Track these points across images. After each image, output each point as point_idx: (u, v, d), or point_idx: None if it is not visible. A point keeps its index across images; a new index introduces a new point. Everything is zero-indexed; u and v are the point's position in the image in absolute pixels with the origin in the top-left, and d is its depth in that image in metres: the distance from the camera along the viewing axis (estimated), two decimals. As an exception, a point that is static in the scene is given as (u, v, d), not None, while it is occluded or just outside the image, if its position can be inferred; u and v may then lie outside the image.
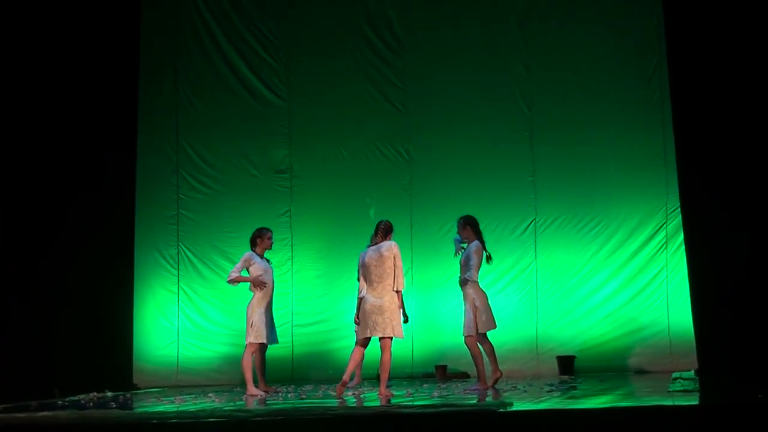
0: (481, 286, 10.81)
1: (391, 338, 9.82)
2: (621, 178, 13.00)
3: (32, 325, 11.71)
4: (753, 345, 10.31)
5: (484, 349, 10.75)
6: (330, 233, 13.76)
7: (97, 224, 12.65)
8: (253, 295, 11.25)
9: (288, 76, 14.11)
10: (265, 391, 11.07)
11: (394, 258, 9.92)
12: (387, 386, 10.07)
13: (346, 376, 9.95)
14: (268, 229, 11.63)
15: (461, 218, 11.06)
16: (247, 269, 11.31)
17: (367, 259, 9.97)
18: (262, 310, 11.19)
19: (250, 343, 11.10)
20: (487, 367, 10.90)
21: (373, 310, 9.81)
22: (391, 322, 9.78)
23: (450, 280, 13.34)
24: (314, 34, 14.12)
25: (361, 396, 10.32)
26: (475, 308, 10.67)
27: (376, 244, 10.03)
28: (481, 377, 10.68)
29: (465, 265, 10.80)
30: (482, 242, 10.89)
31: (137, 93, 13.91)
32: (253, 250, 11.40)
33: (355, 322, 10.11)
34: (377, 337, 9.89)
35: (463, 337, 10.76)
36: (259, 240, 11.46)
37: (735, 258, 10.69)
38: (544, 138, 13.34)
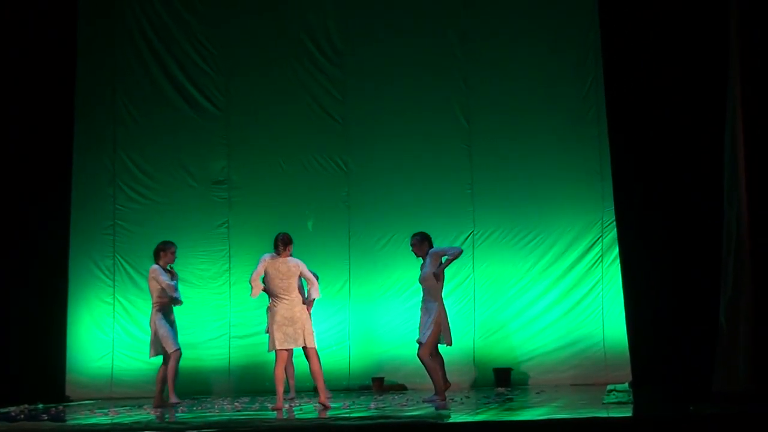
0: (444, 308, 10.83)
1: (313, 347, 9.82)
2: (558, 192, 13.08)
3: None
4: (686, 358, 10.43)
5: (435, 362, 10.74)
6: (268, 245, 13.55)
7: (31, 233, 12.49)
8: (153, 308, 11.28)
9: (227, 86, 14.04)
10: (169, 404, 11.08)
11: (302, 273, 9.93)
12: (328, 396, 10.03)
13: (279, 403, 9.89)
14: (172, 243, 11.64)
15: (419, 234, 11.00)
16: (154, 282, 11.26)
17: (273, 271, 9.92)
18: (164, 321, 11.20)
19: (175, 351, 11.12)
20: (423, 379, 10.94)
21: (284, 321, 9.83)
22: (303, 333, 9.80)
23: (387, 292, 13.39)
24: (254, 44, 14.05)
25: (298, 408, 10.26)
26: (437, 321, 10.66)
27: (281, 256, 9.99)
28: (438, 389, 10.68)
29: (429, 279, 10.79)
30: (439, 252, 10.91)
31: (73, 102, 13.73)
32: (157, 263, 11.35)
33: (267, 332, 10.13)
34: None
35: (417, 349, 10.73)
36: (162, 253, 11.46)
37: (669, 272, 10.82)
38: (483, 151, 13.39)
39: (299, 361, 11.27)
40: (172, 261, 11.58)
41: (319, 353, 10.26)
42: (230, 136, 13.97)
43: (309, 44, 13.90)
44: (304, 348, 9.90)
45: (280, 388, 9.92)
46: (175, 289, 11.37)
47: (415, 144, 13.57)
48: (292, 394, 11.97)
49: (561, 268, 13.02)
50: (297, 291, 10.02)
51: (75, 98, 13.74)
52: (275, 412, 9.73)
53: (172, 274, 11.51)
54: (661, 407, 8.73)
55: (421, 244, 10.95)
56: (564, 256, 13.03)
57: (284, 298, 9.88)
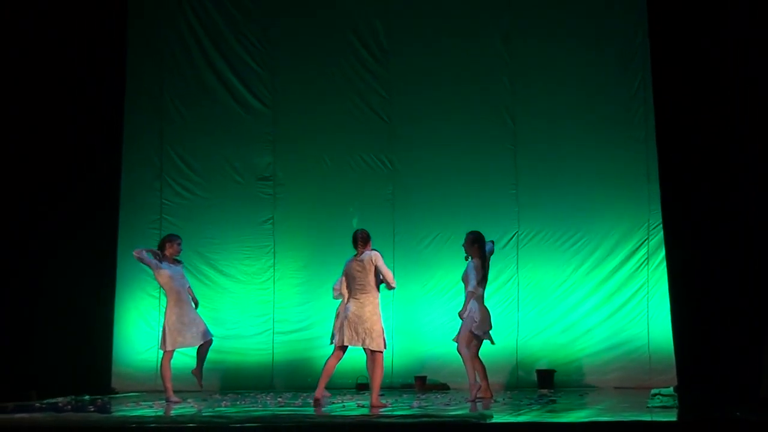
0: (483, 301, 10.81)
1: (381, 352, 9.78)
2: (603, 193, 13.00)
3: (12, 327, 11.63)
4: (732, 362, 10.33)
5: (475, 368, 10.73)
6: (312, 242, 13.73)
7: (80, 227, 12.59)
8: (167, 302, 11.31)
9: (274, 83, 14.08)
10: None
11: (377, 267, 9.88)
12: (380, 395, 10.01)
13: (319, 392, 9.89)
14: (177, 236, 11.63)
15: (472, 234, 10.98)
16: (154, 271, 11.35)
17: (350, 270, 9.94)
18: (174, 317, 11.19)
19: (166, 351, 11.19)
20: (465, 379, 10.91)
21: (354, 319, 9.77)
22: (371, 334, 9.74)
23: (431, 292, 13.38)
24: (301, 42, 14.08)
25: (341, 404, 10.29)
26: (473, 321, 10.67)
27: (359, 254, 9.98)
28: (470, 382, 10.65)
29: (466, 282, 10.83)
30: (483, 260, 10.88)
31: (123, 98, 13.85)
32: (163, 254, 11.36)
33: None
34: (356, 347, 9.88)
35: (456, 346, 10.75)
36: (168, 244, 11.43)
37: (716, 276, 10.71)
38: (528, 151, 13.33)
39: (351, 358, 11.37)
40: (178, 253, 11.49)
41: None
42: (276, 132, 14.01)
43: (356, 43, 13.91)
44: (367, 350, 9.82)
45: (325, 380, 9.89)
46: (156, 266, 11.30)
47: (460, 144, 13.53)
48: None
49: (606, 270, 12.95)
50: (372, 292, 9.92)
51: (125, 94, 13.86)
52: (314, 401, 9.74)
53: (177, 262, 11.50)
54: (706, 412, 8.65)
55: (471, 244, 10.93)
56: (609, 258, 12.95)
57: (359, 297, 9.85)
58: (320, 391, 10.02)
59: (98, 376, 12.88)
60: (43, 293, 12.03)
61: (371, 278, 9.87)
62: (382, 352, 9.80)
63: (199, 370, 11.39)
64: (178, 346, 11.20)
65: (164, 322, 11.27)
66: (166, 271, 11.30)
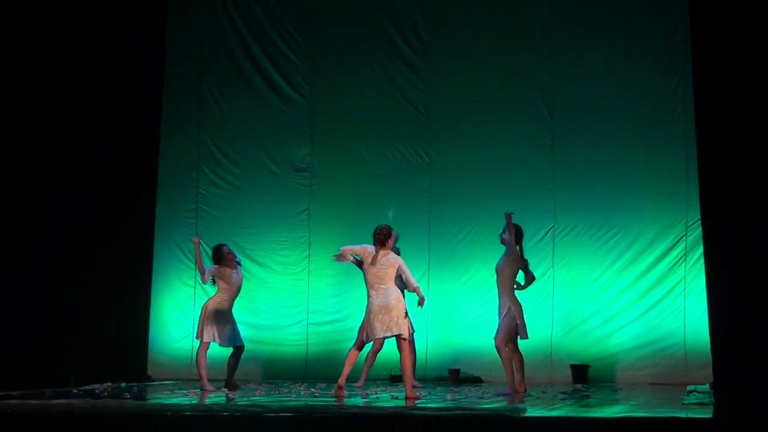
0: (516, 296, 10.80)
1: (405, 339, 9.75)
2: (641, 189, 12.92)
3: (50, 313, 11.75)
4: (769, 361, 10.27)
5: (513, 360, 10.71)
6: (347, 233, 13.68)
7: (118, 216, 12.67)
8: (216, 296, 11.42)
9: (311, 75, 14.11)
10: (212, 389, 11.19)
11: (399, 268, 9.86)
12: (414, 387, 10.01)
13: (342, 380, 9.90)
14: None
15: (513, 226, 10.93)
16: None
17: (370, 269, 9.85)
18: (215, 311, 11.30)
19: (202, 342, 11.32)
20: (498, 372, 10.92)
21: (380, 310, 9.75)
22: (397, 320, 9.71)
23: (465, 285, 13.38)
24: (339, 34, 14.10)
25: (375, 396, 10.31)
26: (512, 316, 10.65)
27: (380, 253, 9.92)
28: (508, 380, 10.64)
29: (502, 269, 10.78)
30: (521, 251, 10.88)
31: (162, 88, 13.94)
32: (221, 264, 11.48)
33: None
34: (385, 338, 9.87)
35: (494, 342, 10.73)
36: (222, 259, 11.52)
37: (754, 273, 10.63)
38: (565, 145, 13.28)
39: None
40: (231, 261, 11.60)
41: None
42: (313, 124, 14.04)
43: (395, 35, 13.91)
44: (397, 338, 9.81)
45: (366, 369, 9.92)
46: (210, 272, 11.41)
47: (498, 137, 13.50)
48: (363, 380, 12.05)
49: (642, 266, 12.88)
50: (393, 283, 9.90)
51: (163, 84, 13.94)
52: (338, 389, 9.78)
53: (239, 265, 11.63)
54: (742, 410, 8.60)
55: (510, 232, 10.89)
56: (646, 254, 12.88)
57: (380, 288, 9.84)
58: (342, 379, 9.98)
59: (135, 364, 12.98)
60: (81, 282, 12.12)
61: (392, 276, 9.85)
62: (407, 339, 9.75)
63: (230, 382, 11.42)
64: (212, 339, 11.26)
65: (203, 313, 11.33)
66: (239, 275, 11.47)
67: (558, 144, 13.31)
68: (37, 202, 11.71)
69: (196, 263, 11.76)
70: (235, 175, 14.15)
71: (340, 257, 10.10)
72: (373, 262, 9.82)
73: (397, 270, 9.84)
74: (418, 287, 9.87)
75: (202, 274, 11.44)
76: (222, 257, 11.47)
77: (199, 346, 11.32)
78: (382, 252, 9.86)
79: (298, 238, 13.91)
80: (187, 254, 13.96)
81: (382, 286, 9.79)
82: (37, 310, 11.52)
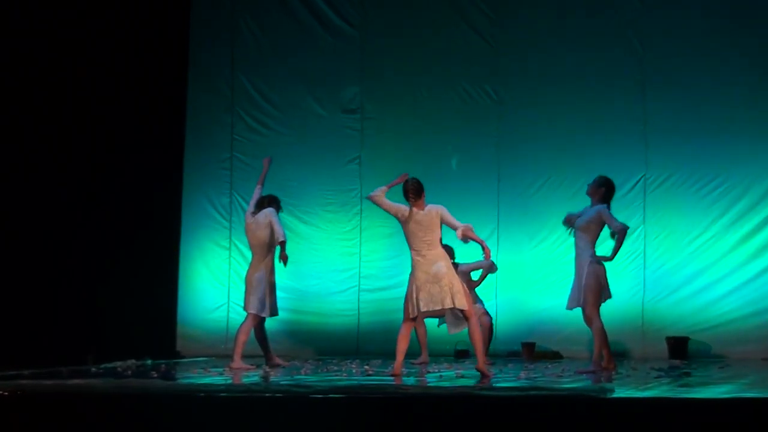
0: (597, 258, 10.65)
1: (465, 309, 9.70)
2: (751, 131, 12.80)
3: (65, 284, 11.85)
4: None
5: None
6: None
7: (141, 167, 12.73)
8: (268, 261, 11.33)
9: (363, 1, 14.06)
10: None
11: (442, 218, 9.77)
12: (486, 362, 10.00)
13: (397, 366, 9.87)
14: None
15: (601, 178, 10.76)
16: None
17: (412, 224, 9.76)
18: (272, 279, 11.34)
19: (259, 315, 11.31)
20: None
21: (428, 279, 9.69)
22: (451, 290, 9.67)
23: (541, 244, 13.32)
24: (395, -48, 14.07)
25: (438, 374, 10.31)
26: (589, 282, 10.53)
27: (416, 207, 9.82)
28: (595, 357, 10.55)
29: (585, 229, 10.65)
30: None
31: (188, 19, 13.94)
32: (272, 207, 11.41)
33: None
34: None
35: (583, 312, 10.63)
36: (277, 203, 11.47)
37: None
38: (658, 80, 13.20)
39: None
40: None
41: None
42: (365, 59, 14.03)
43: (457, -47, 13.83)
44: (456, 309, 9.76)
45: (402, 354, 9.90)
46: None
47: (579, 71, 13.43)
48: (425, 357, 12.01)
49: (751, 223, 12.80)
50: (440, 247, 9.85)
51: (190, 14, 13.93)
52: (393, 377, 9.75)
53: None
54: None
55: (598, 188, 10.75)
56: (756, 209, 12.80)
57: (426, 253, 9.79)
58: (398, 367, 9.94)
59: (162, 339, 13.15)
60: (99, 246, 12.20)
61: (437, 234, 9.76)
62: (468, 309, 9.70)
63: (271, 356, 11.46)
64: (270, 314, 11.29)
65: (260, 281, 11.24)
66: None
67: (649, 78, 13.22)
68: (51, 146, 11.78)
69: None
70: (275, 119, 14.19)
71: (377, 197, 9.96)
72: (411, 219, 9.75)
73: (443, 221, 9.75)
74: (469, 228, 9.69)
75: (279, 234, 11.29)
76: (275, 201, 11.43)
77: (250, 319, 11.26)
78: (416, 206, 9.78)
79: (348, 191, 13.95)
80: (221, 210, 14.01)
81: (428, 252, 9.72)
82: (51, 280, 11.61)
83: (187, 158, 13.87)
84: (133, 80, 12.87)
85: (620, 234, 10.52)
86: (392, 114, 13.94)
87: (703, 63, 13.05)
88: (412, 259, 9.80)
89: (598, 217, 10.57)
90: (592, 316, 10.52)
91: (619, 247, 10.58)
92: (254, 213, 11.38)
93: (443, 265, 9.73)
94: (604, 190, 10.74)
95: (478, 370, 9.68)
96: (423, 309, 9.70)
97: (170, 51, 13.56)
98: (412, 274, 9.79)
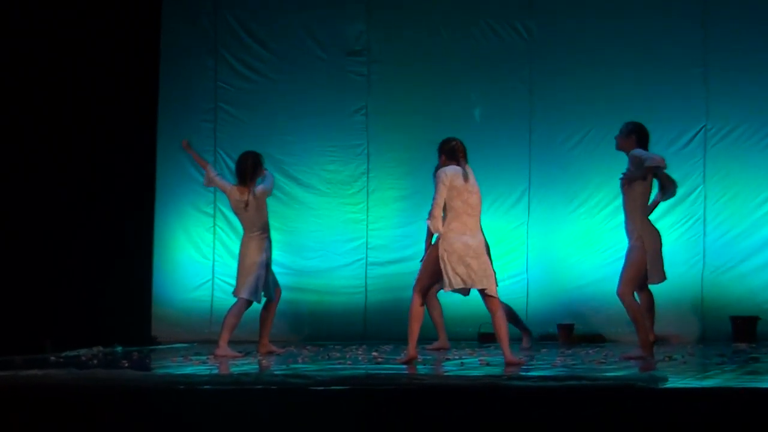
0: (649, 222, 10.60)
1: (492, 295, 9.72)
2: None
3: (16, 257, 11.80)
4: None
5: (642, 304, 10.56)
6: (418, 140, 13.67)
7: (107, 119, 12.72)
8: (265, 236, 11.37)
9: None
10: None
11: None
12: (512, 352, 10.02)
13: (411, 349, 9.86)
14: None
15: (630, 124, 10.70)
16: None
17: (461, 186, 9.72)
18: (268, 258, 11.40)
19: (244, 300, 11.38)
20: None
21: (468, 252, 9.65)
22: (485, 272, 9.67)
23: (580, 208, 13.37)
24: None
25: (459, 361, 10.32)
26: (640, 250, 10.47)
27: (466, 170, 9.78)
28: (642, 341, 10.51)
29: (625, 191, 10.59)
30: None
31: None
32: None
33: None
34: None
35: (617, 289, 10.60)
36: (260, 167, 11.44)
37: None
38: (721, 16, 13.24)
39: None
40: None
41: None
42: (372, -10, 14.06)
43: None
44: (484, 293, 9.74)
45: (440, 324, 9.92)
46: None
47: (623, 8, 13.49)
48: (443, 342, 12.03)
49: (830, 184, 12.86)
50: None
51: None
52: (406, 365, 9.78)
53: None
54: None
55: (627, 137, 10.67)
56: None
57: (467, 221, 9.71)
58: (411, 352, 9.96)
59: (134, 322, 13.15)
60: (58, 211, 12.17)
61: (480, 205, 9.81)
62: (494, 295, 9.71)
63: (264, 341, 11.55)
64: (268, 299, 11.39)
65: (260, 265, 11.28)
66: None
67: (710, 16, 13.26)
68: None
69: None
70: (267, 63, 14.24)
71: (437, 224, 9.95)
72: (464, 190, 9.69)
73: None
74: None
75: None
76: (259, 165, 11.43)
77: (240, 304, 11.30)
78: (467, 168, 9.76)
79: (353, 147, 14.02)
80: (202, 171, 13.99)
81: (469, 216, 9.69)
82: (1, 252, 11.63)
83: (162, 109, 13.87)
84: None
85: (659, 174, 10.44)
86: (404, 56, 13.96)
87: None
88: (452, 225, 9.68)
89: (633, 163, 10.44)
90: (623, 293, 10.43)
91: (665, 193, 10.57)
92: (242, 184, 11.28)
93: (482, 240, 9.77)
94: (635, 138, 10.65)
95: (507, 362, 9.67)
96: (458, 286, 9.69)
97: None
98: (445, 241, 9.70)
